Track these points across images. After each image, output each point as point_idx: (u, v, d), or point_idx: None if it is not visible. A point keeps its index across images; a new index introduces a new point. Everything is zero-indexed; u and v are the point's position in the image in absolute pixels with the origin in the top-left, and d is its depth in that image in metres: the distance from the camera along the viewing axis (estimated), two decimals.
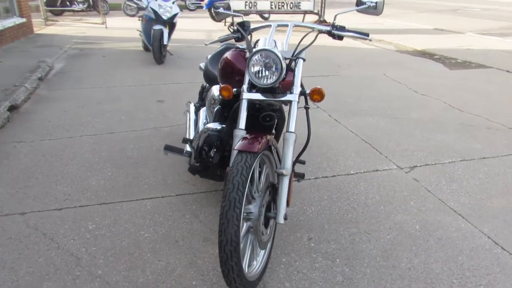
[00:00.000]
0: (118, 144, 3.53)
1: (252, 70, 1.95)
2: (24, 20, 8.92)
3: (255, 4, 11.21)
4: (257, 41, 2.31)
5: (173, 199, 2.71)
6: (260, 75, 1.95)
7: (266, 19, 13.17)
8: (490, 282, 2.00)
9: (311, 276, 2.04)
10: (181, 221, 2.48)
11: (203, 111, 2.77)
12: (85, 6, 13.69)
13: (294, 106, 2.01)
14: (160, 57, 6.51)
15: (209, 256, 2.17)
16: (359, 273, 2.06)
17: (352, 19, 13.15)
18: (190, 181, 2.90)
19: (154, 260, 2.15)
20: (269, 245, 2.10)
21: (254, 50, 1.92)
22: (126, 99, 4.79)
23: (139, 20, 7.41)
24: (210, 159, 2.33)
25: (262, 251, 2.05)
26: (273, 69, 1.93)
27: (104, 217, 2.50)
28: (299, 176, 2.45)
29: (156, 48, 6.37)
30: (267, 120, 2.16)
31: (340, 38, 2.25)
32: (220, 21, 2.64)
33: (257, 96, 2.03)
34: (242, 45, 2.51)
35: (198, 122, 2.74)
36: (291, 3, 11.13)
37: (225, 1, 2.50)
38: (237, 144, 1.78)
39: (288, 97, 2.01)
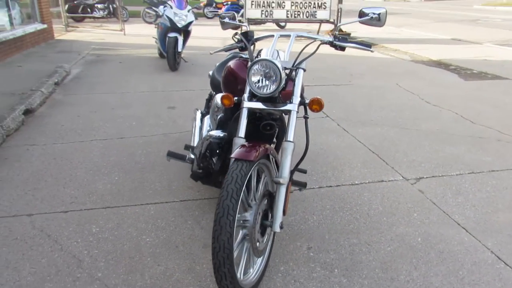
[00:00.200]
0: (127, 149, 3.59)
1: (252, 80, 1.98)
2: (45, 26, 9.17)
3: (271, 13, 11.28)
4: (260, 51, 2.34)
5: (176, 204, 2.75)
6: (260, 84, 1.97)
7: (282, 27, 13.26)
8: None
9: (308, 285, 2.04)
10: (183, 226, 2.51)
11: (207, 119, 2.81)
12: (105, 13, 14.02)
13: (293, 115, 2.02)
14: (174, 64, 6.61)
15: (208, 262, 2.19)
16: (357, 284, 2.05)
17: (368, 28, 13.10)
18: (195, 187, 2.93)
19: (153, 264, 2.18)
20: (267, 253, 2.11)
21: (254, 60, 1.95)
22: (138, 104, 4.88)
23: (155, 27, 7.55)
24: (211, 166, 2.36)
25: (260, 259, 2.06)
26: (273, 78, 1.95)
27: (108, 221, 2.55)
28: (301, 185, 2.46)
29: (170, 55, 6.47)
30: (267, 129, 2.18)
31: (342, 49, 2.27)
32: (226, 29, 2.68)
33: (257, 105, 2.05)
34: (246, 54, 2.54)
35: (203, 129, 2.78)
36: (307, 12, 11.16)
37: (231, 12, 2.54)
38: (234, 152, 1.80)
39: (287, 106, 2.03)
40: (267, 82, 1.98)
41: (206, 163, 2.38)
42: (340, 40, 2.23)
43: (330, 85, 5.94)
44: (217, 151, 2.33)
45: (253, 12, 11.24)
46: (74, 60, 7.32)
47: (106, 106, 4.80)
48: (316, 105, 2.02)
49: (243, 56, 2.51)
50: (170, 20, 6.46)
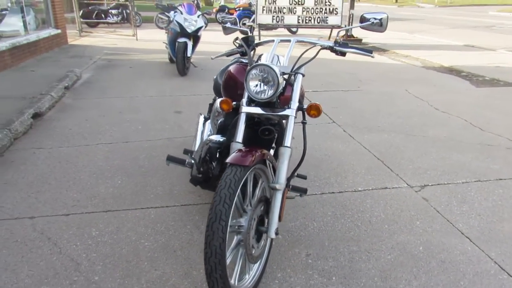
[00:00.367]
0: (131, 153, 3.62)
1: (250, 84, 1.97)
2: (59, 31, 9.33)
3: (282, 18, 11.29)
4: (260, 56, 2.34)
5: (177, 209, 2.75)
6: (258, 89, 1.97)
7: (294, 33, 13.26)
8: None
9: None
10: (182, 231, 2.51)
11: (208, 123, 2.81)
12: (119, 18, 14.21)
13: (291, 121, 2.01)
14: (184, 69, 6.65)
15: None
16: None
17: (380, 35, 13.03)
18: (196, 192, 2.93)
19: (150, 269, 2.17)
20: (264, 259, 2.09)
21: (252, 64, 1.94)
22: (145, 109, 4.91)
23: (166, 33, 7.62)
24: (211, 171, 2.35)
25: (256, 265, 2.05)
26: (271, 83, 1.95)
27: (108, 224, 2.56)
28: (302, 191, 2.44)
29: (179, 60, 6.52)
30: (266, 134, 2.17)
31: (343, 54, 2.25)
32: (227, 35, 2.68)
33: (256, 110, 2.05)
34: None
35: (204, 134, 2.78)
36: (318, 17, 11.14)
37: (232, 16, 2.54)
38: (229, 156, 1.79)
39: (285, 111, 2.01)
40: (265, 87, 1.97)
41: (206, 168, 2.37)
42: (340, 45, 2.21)
43: (338, 91, 5.91)
44: (217, 156, 2.32)
45: (264, 18, 11.26)
46: (86, 65, 7.42)
47: (114, 110, 4.85)
48: (314, 110, 2.01)
49: (244, 61, 2.51)
50: (180, 25, 6.52)
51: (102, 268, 2.17)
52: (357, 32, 11.57)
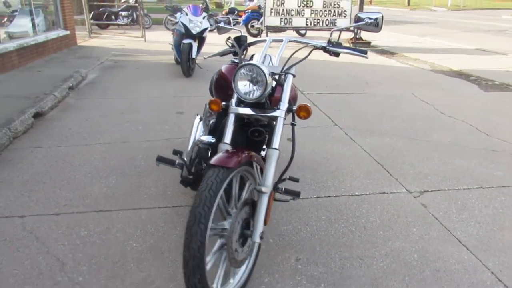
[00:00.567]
0: (128, 153, 3.59)
1: (238, 84, 1.93)
2: (67, 32, 9.41)
3: (290, 20, 11.25)
4: (252, 56, 2.29)
5: (168, 210, 2.71)
6: (247, 89, 1.92)
7: (303, 35, 13.19)
8: None
9: None
10: (171, 232, 2.47)
11: (201, 124, 2.77)
12: (129, 20, 14.29)
13: (280, 122, 1.96)
14: (188, 70, 6.64)
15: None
16: None
17: (389, 37, 12.92)
18: (189, 193, 2.88)
19: (136, 270, 2.14)
20: (251, 263, 2.04)
21: (240, 64, 1.90)
22: (147, 110, 4.90)
23: (172, 34, 7.63)
24: (201, 172, 2.31)
25: (242, 269, 1.99)
26: (260, 84, 1.90)
27: (98, 225, 2.53)
28: (295, 195, 2.37)
29: (184, 61, 6.51)
30: (256, 136, 2.12)
31: (336, 54, 2.19)
32: (221, 34, 2.65)
33: (244, 110, 2.00)
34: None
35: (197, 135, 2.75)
36: (327, 20, 11.07)
37: (226, 16, 2.51)
38: (213, 158, 1.75)
39: (274, 113, 1.96)
40: (254, 87, 1.93)
41: (196, 169, 2.33)
42: (333, 45, 2.15)
43: (343, 93, 5.83)
44: (207, 157, 2.28)
45: (272, 20, 11.24)
46: (93, 66, 7.46)
47: (115, 110, 4.84)
48: (303, 112, 1.95)
49: (236, 61, 2.47)
50: (185, 26, 6.51)
51: (87, 268, 2.14)
52: (366, 35, 11.46)
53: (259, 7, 13.26)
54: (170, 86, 6.14)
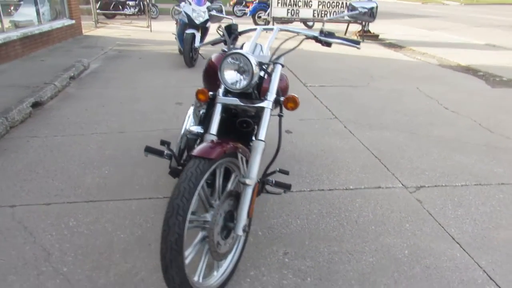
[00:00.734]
0: (124, 143, 3.57)
1: (225, 74, 1.88)
2: (73, 22, 9.40)
3: (297, 12, 11.15)
4: (242, 45, 2.24)
5: (159, 201, 2.69)
6: (233, 79, 1.88)
7: (310, 27, 13.06)
8: None
9: None
10: (159, 224, 2.42)
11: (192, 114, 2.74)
12: (136, 10, 14.28)
13: (267, 113, 1.91)
14: (191, 60, 6.60)
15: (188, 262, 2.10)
16: None
17: (398, 30, 12.74)
18: None
19: (121, 261, 2.12)
20: (236, 256, 2.02)
21: (227, 53, 1.86)
22: (147, 100, 4.88)
23: (176, 24, 7.58)
24: None
25: (227, 262, 1.97)
26: (247, 73, 1.86)
27: (87, 215, 2.52)
28: (285, 187, 2.33)
29: (186, 51, 6.46)
30: (244, 127, 2.08)
31: (328, 44, 2.13)
32: (214, 23, 2.60)
33: (231, 100, 1.96)
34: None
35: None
36: (334, 11, 10.94)
37: (218, 4, 2.45)
38: (196, 148, 1.71)
39: (261, 103, 1.92)
40: (241, 77, 1.88)
41: (185, 160, 2.30)
42: (326, 35, 2.09)
43: (346, 86, 5.75)
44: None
45: (279, 11, 11.15)
46: (96, 55, 7.45)
47: (115, 100, 4.83)
48: (291, 103, 1.90)
49: (226, 50, 2.42)
50: (188, 16, 6.45)
51: (72, 259, 2.13)
52: (374, 28, 11.32)
53: None
54: (172, 76, 6.11)
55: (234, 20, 2.37)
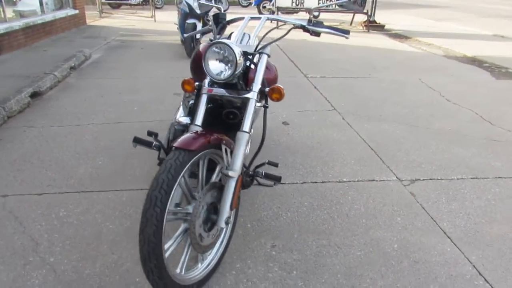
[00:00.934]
0: (120, 134, 3.57)
1: (209, 64, 1.86)
2: (76, 12, 9.39)
3: (302, 1, 11.02)
4: (230, 34, 2.21)
5: None
6: (217, 69, 1.85)
7: (316, 17, 12.92)
8: None
9: (260, 286, 1.91)
10: None
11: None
12: (141, 0, 14.20)
13: (251, 104, 1.89)
14: (192, 50, 6.55)
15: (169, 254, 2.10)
16: None
17: (405, 20, 12.56)
18: None
19: (108, 252, 2.12)
20: (221, 249, 2.01)
21: (210, 43, 1.83)
22: (146, 90, 4.86)
23: (177, 14, 7.54)
24: None
25: (212, 254, 1.96)
26: (231, 63, 1.83)
27: (77, 205, 2.52)
28: (275, 179, 2.31)
29: (188, 41, 6.43)
30: (230, 118, 2.06)
31: (317, 34, 2.09)
32: (203, 12, 2.56)
33: (217, 91, 1.94)
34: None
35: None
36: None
37: None
38: (177, 140, 1.69)
39: (245, 94, 1.89)
40: (226, 67, 1.86)
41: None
42: (314, 24, 2.05)
43: (347, 77, 5.69)
44: None
45: (284, 1, 11.05)
46: (98, 45, 7.45)
47: (114, 91, 4.82)
48: (276, 93, 1.88)
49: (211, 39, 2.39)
50: (189, 6, 6.40)
51: (60, 249, 2.13)
52: (380, 18, 11.16)
53: None
54: (172, 66, 6.08)
55: (234, 13, 2.33)
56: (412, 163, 3.15)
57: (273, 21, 2.23)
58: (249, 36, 2.13)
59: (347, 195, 2.69)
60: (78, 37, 8.37)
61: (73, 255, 2.09)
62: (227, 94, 1.91)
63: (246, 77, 2.00)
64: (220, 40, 1.80)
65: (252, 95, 1.89)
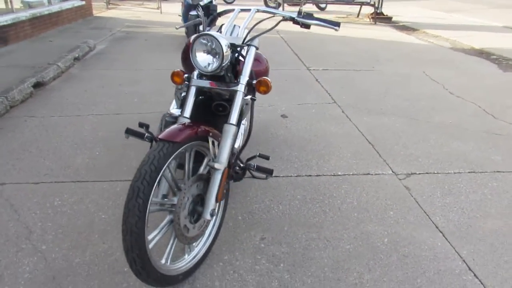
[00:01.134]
0: (119, 125, 3.59)
1: (197, 56, 1.85)
2: (83, 3, 9.42)
3: None
4: (221, 26, 2.20)
5: None
6: (204, 61, 1.85)
7: (323, 9, 12.81)
8: None
9: (246, 278, 1.92)
10: None
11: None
12: None
13: (239, 96, 1.88)
14: None
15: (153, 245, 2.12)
16: (298, 281, 1.91)
17: (413, 13, 12.38)
18: None
19: (98, 242, 2.14)
20: (210, 240, 2.02)
21: (197, 34, 1.82)
22: (147, 82, 4.88)
23: (182, 5, 7.52)
24: None
25: (199, 246, 1.97)
26: (219, 55, 1.82)
27: (72, 195, 2.55)
28: (267, 172, 2.31)
29: (190, 33, 6.40)
30: (220, 110, 2.05)
31: (307, 26, 2.07)
32: (194, 3, 2.55)
33: (205, 83, 1.93)
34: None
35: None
36: None
37: None
38: (162, 132, 1.69)
39: (233, 86, 1.88)
40: (214, 59, 1.85)
41: None
42: (304, 16, 2.03)
43: (350, 70, 5.64)
44: None
45: None
46: (103, 37, 7.47)
47: (115, 82, 4.84)
48: (263, 86, 1.87)
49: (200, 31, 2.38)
50: None
51: (52, 237, 2.16)
52: (389, 10, 11.02)
53: None
54: (176, 58, 6.08)
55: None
56: (409, 156, 3.13)
57: (263, 13, 2.24)
58: (239, 28, 2.12)
59: (341, 189, 2.68)
60: (84, 28, 8.40)
61: (65, 243, 2.12)
62: (215, 86, 1.91)
63: (235, 69, 1.99)
64: (207, 32, 1.79)
65: (240, 87, 1.88)
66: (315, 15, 2.05)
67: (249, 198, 2.55)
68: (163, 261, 1.76)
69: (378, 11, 10.35)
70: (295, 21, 2.06)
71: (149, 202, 1.54)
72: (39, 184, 2.66)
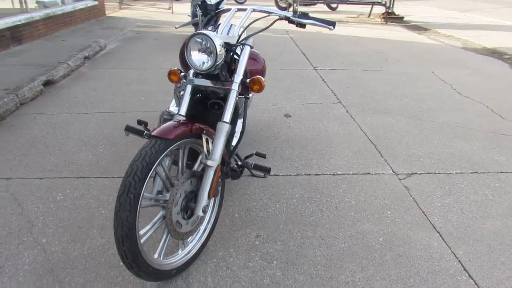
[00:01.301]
0: (124, 122, 3.65)
1: (192, 54, 1.88)
2: (96, 3, 9.56)
3: None
4: (218, 25, 2.23)
5: None
6: (199, 59, 1.88)
7: (334, 9, 12.76)
8: None
9: (239, 274, 1.94)
10: None
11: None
12: None
13: (233, 94, 1.90)
14: None
15: (151, 240, 2.16)
16: (290, 279, 1.92)
17: (426, 12, 12.24)
18: None
19: (97, 236, 2.19)
20: (205, 236, 2.05)
21: (192, 34, 1.85)
22: (154, 81, 4.94)
23: (191, 6, 7.58)
24: None
25: (194, 241, 2.00)
26: (213, 54, 1.85)
27: (74, 190, 2.61)
28: (265, 171, 2.34)
29: None
30: (215, 108, 2.08)
31: (302, 26, 2.08)
32: (194, 3, 2.59)
33: (200, 81, 1.96)
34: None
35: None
36: None
37: None
38: (156, 128, 1.73)
39: (227, 84, 1.91)
40: (208, 57, 1.88)
41: None
42: (299, 16, 2.04)
43: (357, 70, 5.62)
44: None
45: None
46: (114, 36, 7.58)
47: (123, 81, 4.91)
48: (256, 85, 1.89)
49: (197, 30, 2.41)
50: None
51: (53, 231, 2.22)
52: (400, 9, 10.92)
53: None
54: None
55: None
56: (411, 156, 3.11)
57: (259, 12, 2.26)
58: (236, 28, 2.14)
59: (339, 188, 2.68)
60: (96, 28, 8.53)
61: (64, 237, 2.18)
62: (209, 84, 1.94)
63: (230, 68, 2.02)
64: (201, 31, 1.82)
65: (234, 86, 1.90)
66: (316, 16, 2.07)
67: (247, 196, 2.58)
68: (155, 255, 1.80)
69: (389, 11, 10.27)
70: (290, 21, 2.07)
71: (141, 197, 1.58)
72: (43, 179, 2.73)
